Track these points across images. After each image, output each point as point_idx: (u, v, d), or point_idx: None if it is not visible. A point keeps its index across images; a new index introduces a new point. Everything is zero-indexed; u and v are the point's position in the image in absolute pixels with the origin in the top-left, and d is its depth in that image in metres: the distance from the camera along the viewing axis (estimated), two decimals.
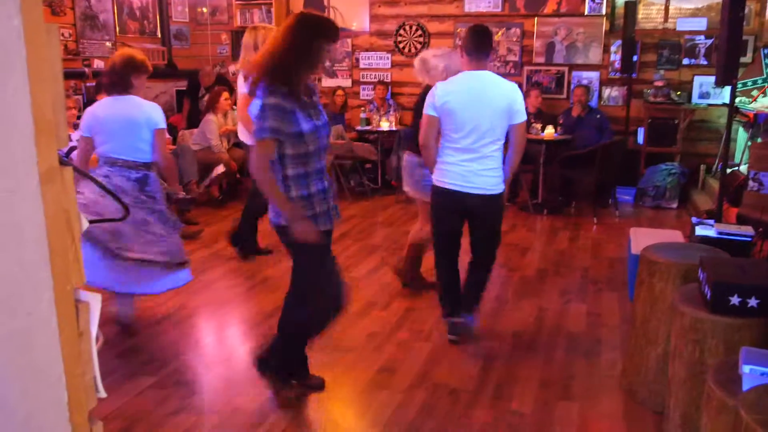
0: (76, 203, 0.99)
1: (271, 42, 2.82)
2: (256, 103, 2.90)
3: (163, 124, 3.78)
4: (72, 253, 0.98)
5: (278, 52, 2.77)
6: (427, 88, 4.02)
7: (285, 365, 3.21)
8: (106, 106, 3.75)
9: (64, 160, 0.98)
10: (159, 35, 8.93)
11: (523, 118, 3.60)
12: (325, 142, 2.91)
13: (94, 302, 1.04)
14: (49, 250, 0.94)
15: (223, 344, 4.00)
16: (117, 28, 8.27)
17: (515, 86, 3.61)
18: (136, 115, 3.68)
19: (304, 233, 2.83)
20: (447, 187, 3.61)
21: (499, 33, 8.37)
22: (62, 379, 0.98)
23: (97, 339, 1.08)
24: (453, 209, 3.69)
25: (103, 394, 1.09)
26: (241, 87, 4.83)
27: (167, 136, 4.03)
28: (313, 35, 2.78)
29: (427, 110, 3.60)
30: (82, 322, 1.02)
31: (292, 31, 2.77)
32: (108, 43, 8.14)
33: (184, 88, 8.54)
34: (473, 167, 3.54)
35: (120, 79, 3.70)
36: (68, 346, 0.98)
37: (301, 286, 3.10)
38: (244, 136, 5.01)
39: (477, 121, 3.49)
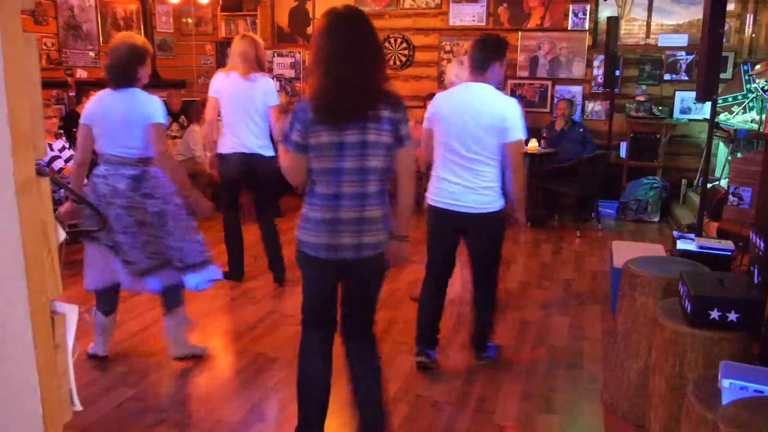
0: (52, 214, 0.98)
1: None
2: None
3: (159, 119, 3.41)
4: (48, 265, 0.97)
5: None
6: None
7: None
8: (107, 99, 3.44)
9: (45, 170, 0.97)
10: None
11: (517, 137, 3.35)
12: None
13: (71, 314, 1.03)
14: (24, 261, 0.93)
15: (204, 356, 3.96)
16: (101, 38, 8.23)
17: (512, 102, 3.39)
18: (132, 110, 3.39)
19: None
20: (437, 205, 3.47)
21: None
22: (37, 392, 0.97)
23: (74, 351, 1.07)
24: (445, 228, 3.54)
25: (78, 407, 1.08)
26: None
27: (165, 133, 3.56)
28: None
29: (423, 123, 3.58)
30: (58, 334, 1.01)
31: None
32: (91, 53, 8.10)
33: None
34: (462, 184, 3.38)
35: (125, 73, 3.40)
36: (43, 359, 0.97)
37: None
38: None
39: (461, 135, 3.34)
